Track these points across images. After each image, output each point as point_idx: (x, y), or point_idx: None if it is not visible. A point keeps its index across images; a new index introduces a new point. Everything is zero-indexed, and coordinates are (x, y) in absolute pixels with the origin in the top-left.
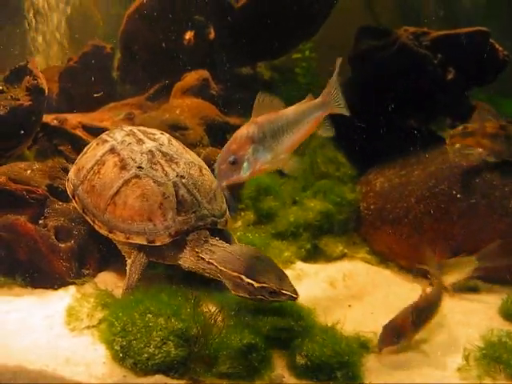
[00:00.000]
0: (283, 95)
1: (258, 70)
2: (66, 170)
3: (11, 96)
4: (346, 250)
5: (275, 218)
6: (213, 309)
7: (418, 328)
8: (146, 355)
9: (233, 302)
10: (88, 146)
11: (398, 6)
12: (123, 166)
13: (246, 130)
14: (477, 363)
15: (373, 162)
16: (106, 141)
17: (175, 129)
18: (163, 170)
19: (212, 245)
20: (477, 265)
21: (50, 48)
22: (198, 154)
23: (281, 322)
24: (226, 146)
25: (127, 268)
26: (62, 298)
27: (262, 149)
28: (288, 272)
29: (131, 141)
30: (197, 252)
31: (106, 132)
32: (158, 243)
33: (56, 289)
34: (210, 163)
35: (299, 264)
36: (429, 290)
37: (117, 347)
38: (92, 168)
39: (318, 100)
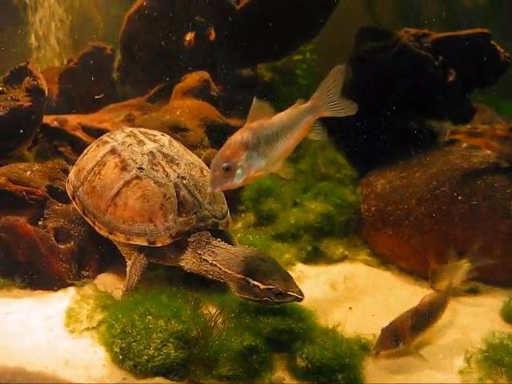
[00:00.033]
0: (284, 97)
1: (258, 71)
2: (66, 171)
3: (11, 97)
4: (346, 252)
5: (276, 219)
6: (213, 311)
7: (418, 333)
8: (145, 357)
9: (233, 304)
10: (88, 147)
11: (398, 6)
12: (124, 167)
13: (239, 136)
14: (478, 366)
15: (373, 164)
16: (107, 142)
17: (176, 130)
18: (164, 170)
19: (214, 246)
20: (470, 266)
21: (50, 49)
22: (199, 156)
23: (281, 324)
24: (219, 152)
25: (127, 269)
26: (62, 300)
27: (256, 155)
28: None
29: (132, 142)
30: (199, 254)
31: (107, 133)
32: (158, 244)
33: (55, 290)
34: (210, 164)
35: (300, 266)
36: (432, 294)
37: (116, 349)
38: (92, 169)
39: (307, 104)
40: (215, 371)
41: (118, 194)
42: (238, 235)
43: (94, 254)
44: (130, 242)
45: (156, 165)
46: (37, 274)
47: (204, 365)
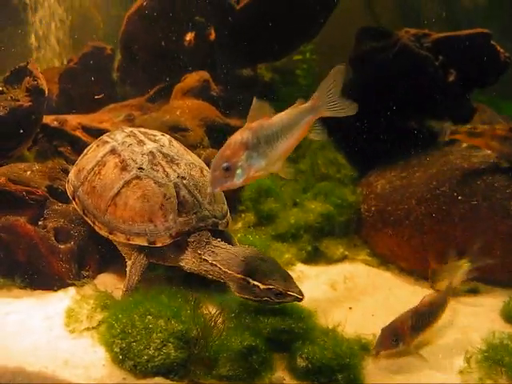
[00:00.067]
0: (284, 97)
1: (258, 71)
2: (66, 171)
3: (11, 97)
4: (346, 252)
5: (276, 219)
6: (213, 311)
7: (418, 333)
8: (145, 357)
9: (233, 304)
10: (88, 147)
11: (398, 6)
12: (124, 167)
13: (239, 136)
14: (478, 366)
15: (374, 164)
16: (107, 142)
17: (176, 130)
18: (164, 170)
19: (214, 246)
20: (470, 266)
21: (50, 49)
22: (199, 156)
23: (281, 324)
24: (219, 152)
25: (127, 269)
26: (62, 300)
27: (256, 155)
28: None
29: (132, 142)
30: (199, 254)
31: (107, 133)
32: (158, 244)
33: (55, 290)
34: (210, 164)
35: (300, 266)
36: (432, 294)
37: (116, 349)
38: (92, 169)
39: (307, 104)
40: (215, 371)
41: (118, 193)
42: (238, 235)
43: (94, 254)
44: (130, 242)
45: (156, 165)
46: (37, 274)
47: (204, 365)
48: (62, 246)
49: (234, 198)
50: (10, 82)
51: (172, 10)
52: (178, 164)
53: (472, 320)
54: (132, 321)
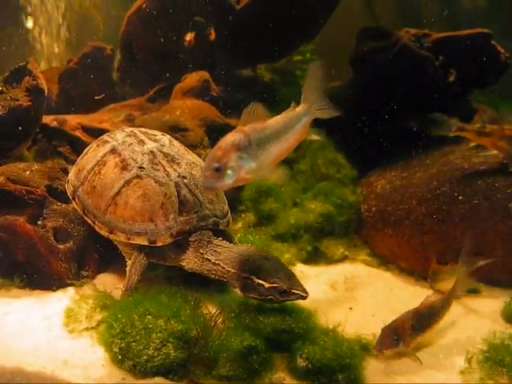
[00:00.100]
0: (284, 98)
1: (258, 72)
2: (66, 171)
3: (11, 96)
4: (346, 253)
5: (276, 219)
6: (213, 310)
7: (418, 333)
8: (145, 357)
9: (233, 304)
10: (88, 147)
11: (398, 6)
12: (124, 167)
13: (231, 137)
14: (479, 366)
15: (374, 164)
16: (107, 141)
17: (175, 130)
18: (165, 170)
19: (216, 245)
20: (465, 272)
21: (49, 49)
22: (199, 156)
23: (281, 324)
24: (210, 152)
25: (127, 269)
26: (61, 300)
27: (246, 157)
28: None
29: (132, 141)
30: (201, 253)
31: (107, 133)
32: (159, 244)
33: (54, 290)
34: None
35: (300, 266)
36: (434, 296)
37: (116, 349)
38: (92, 169)
39: (300, 107)
40: (215, 371)
41: (118, 193)
42: (238, 235)
43: (94, 254)
44: (131, 242)
45: (156, 164)
46: (36, 274)
47: (204, 365)
48: (62, 246)
49: (234, 197)
50: (9, 81)
51: (172, 10)
52: (178, 163)
53: (473, 320)
54: (131, 321)
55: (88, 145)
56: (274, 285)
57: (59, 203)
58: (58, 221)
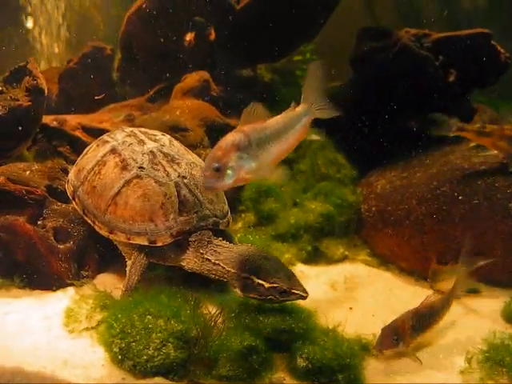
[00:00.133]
0: (284, 98)
1: (258, 72)
2: (66, 171)
3: (11, 96)
4: (346, 253)
5: (276, 219)
6: (213, 310)
7: (418, 333)
8: (145, 357)
9: (233, 304)
10: (88, 147)
11: (398, 5)
12: (124, 167)
13: (231, 137)
14: (479, 366)
15: (374, 164)
16: (107, 141)
17: (175, 130)
18: (165, 170)
19: (216, 245)
20: (465, 272)
21: (49, 49)
22: (199, 156)
23: (281, 324)
24: (211, 152)
25: (127, 269)
26: (61, 300)
27: (246, 157)
28: None
29: (132, 141)
30: (201, 253)
31: (107, 133)
32: (159, 244)
33: (54, 290)
34: None
35: (300, 266)
36: (434, 296)
37: (116, 349)
38: (92, 169)
39: (300, 108)
40: (215, 371)
41: (118, 193)
42: (238, 235)
43: (94, 254)
44: (131, 242)
45: (156, 164)
46: (36, 274)
47: (204, 365)
48: (61, 246)
49: (234, 197)
50: (9, 81)
51: (172, 10)
52: (178, 163)
53: (473, 320)
54: (131, 321)
55: (88, 145)
56: (274, 285)
57: (59, 203)
58: (57, 221)
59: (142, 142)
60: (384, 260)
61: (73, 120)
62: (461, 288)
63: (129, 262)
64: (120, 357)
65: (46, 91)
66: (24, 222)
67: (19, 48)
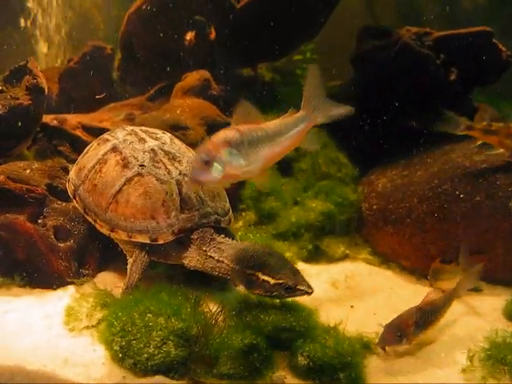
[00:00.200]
0: (284, 97)
1: (259, 71)
2: (66, 170)
3: (11, 95)
4: (347, 251)
5: (276, 218)
6: (214, 308)
7: (421, 330)
8: (145, 355)
9: (234, 302)
10: (89, 145)
11: (398, 5)
12: (125, 165)
13: (224, 133)
14: (481, 364)
15: (375, 163)
16: (108, 140)
17: (176, 129)
18: (166, 168)
19: (219, 242)
20: (470, 272)
21: (50, 49)
22: None
23: (283, 322)
24: (201, 145)
25: (128, 267)
26: (61, 298)
27: (236, 153)
28: None
29: (133, 140)
30: (204, 250)
31: (108, 132)
32: (160, 241)
33: (55, 289)
34: None
35: (301, 265)
36: (434, 293)
37: (116, 347)
38: (93, 167)
39: (300, 113)
40: (216, 369)
41: (119, 191)
42: (239, 234)
43: (94, 253)
44: (132, 240)
45: (158, 162)
46: (36, 273)
47: (204, 363)
48: (62, 245)
49: (234, 196)
50: (9, 80)
51: (172, 9)
52: (179, 161)
53: (474, 318)
54: (132, 319)
55: (88, 144)
56: (280, 281)
57: (59, 202)
58: (58, 219)
59: (142, 140)
60: (385, 258)
61: (73, 119)
62: (464, 288)
63: (130, 260)
64: (120, 355)
65: (46, 90)
66: (24, 221)
67: (19, 48)
